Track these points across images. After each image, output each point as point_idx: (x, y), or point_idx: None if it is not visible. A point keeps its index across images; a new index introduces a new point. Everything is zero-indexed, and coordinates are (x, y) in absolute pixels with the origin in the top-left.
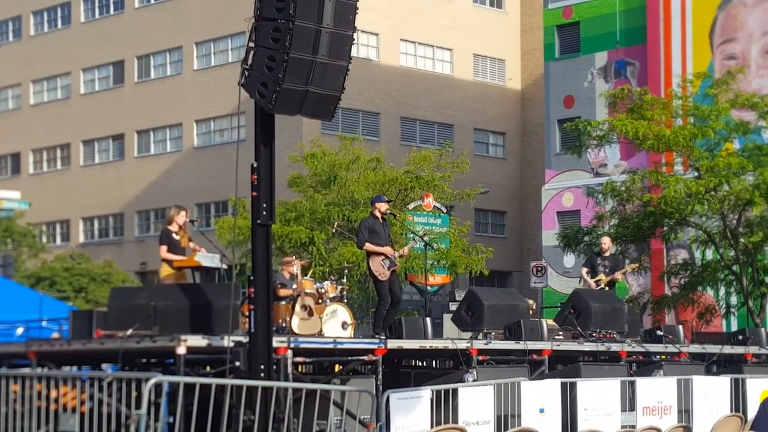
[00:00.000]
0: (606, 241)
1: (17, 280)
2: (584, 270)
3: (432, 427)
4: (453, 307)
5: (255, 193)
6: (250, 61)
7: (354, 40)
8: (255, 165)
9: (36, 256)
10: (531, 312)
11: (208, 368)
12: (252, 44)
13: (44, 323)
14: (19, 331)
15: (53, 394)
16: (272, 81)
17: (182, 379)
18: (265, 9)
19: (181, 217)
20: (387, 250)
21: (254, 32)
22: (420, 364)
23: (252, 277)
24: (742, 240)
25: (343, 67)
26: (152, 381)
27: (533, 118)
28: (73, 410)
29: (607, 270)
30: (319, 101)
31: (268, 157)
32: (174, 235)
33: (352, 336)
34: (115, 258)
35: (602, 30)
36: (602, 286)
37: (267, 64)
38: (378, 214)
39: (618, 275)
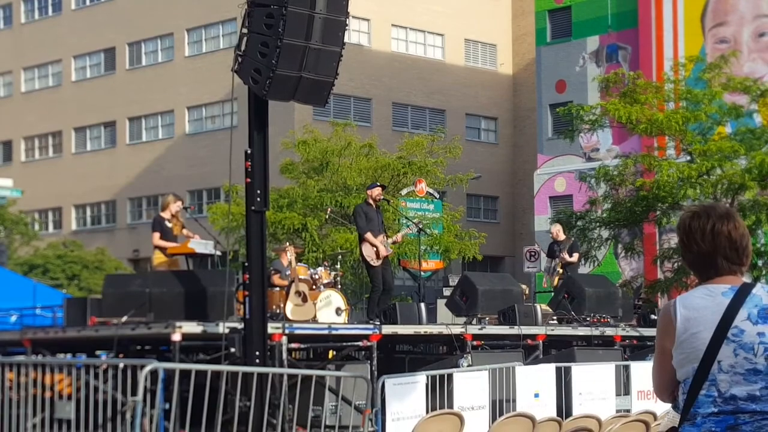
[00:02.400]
0: (554, 230)
1: (10, 268)
2: (547, 260)
3: (427, 412)
4: (447, 292)
5: (249, 180)
6: (243, 48)
7: (347, 25)
8: (249, 151)
9: (28, 244)
10: (524, 297)
11: (201, 355)
12: (245, 30)
13: (38, 310)
14: (13, 318)
15: (48, 380)
16: (266, 67)
17: (178, 366)
18: None
19: (176, 206)
20: (381, 249)
21: (247, 18)
22: (414, 349)
23: (247, 264)
24: None
25: (336, 52)
26: (148, 368)
27: (525, 102)
28: (69, 397)
29: (560, 253)
30: (312, 87)
31: (261, 144)
32: (167, 223)
33: (347, 322)
34: (108, 245)
35: (593, 14)
36: (559, 272)
37: (260, 50)
38: (371, 201)
39: (565, 256)
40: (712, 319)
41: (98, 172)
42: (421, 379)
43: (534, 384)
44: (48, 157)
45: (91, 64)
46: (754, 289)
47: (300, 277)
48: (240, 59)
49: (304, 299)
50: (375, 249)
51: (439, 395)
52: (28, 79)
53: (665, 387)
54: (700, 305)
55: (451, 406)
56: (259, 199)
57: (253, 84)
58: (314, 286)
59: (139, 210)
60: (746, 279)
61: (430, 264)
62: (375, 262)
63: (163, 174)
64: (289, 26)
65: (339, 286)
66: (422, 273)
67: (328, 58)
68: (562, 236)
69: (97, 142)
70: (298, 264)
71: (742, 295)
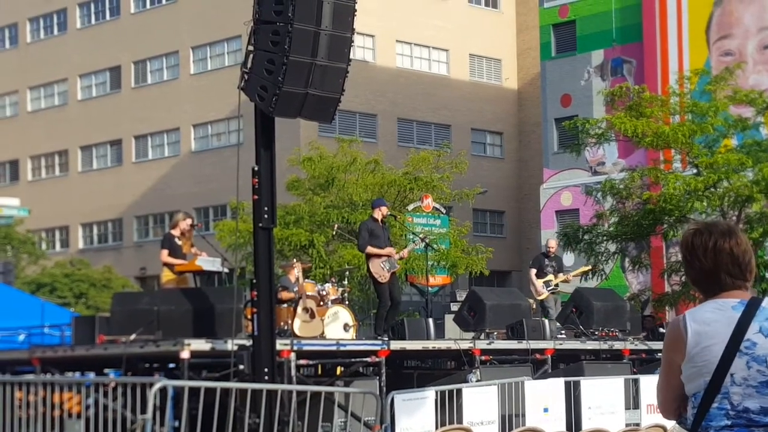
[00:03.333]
0: (553, 244)
1: (17, 287)
2: (533, 271)
3: (437, 427)
4: (454, 307)
5: (256, 197)
6: (249, 65)
7: (353, 42)
8: (256, 168)
9: (36, 263)
10: (531, 312)
11: (204, 372)
12: (251, 48)
13: (46, 329)
14: (21, 337)
15: (57, 399)
16: (272, 84)
17: (187, 383)
18: (264, 12)
19: (186, 223)
20: (389, 250)
21: (253, 36)
22: (422, 364)
23: (255, 281)
24: None
25: (342, 69)
26: (157, 386)
27: (530, 117)
28: (78, 416)
29: (554, 270)
30: (318, 103)
31: (268, 161)
32: (176, 240)
33: (354, 337)
34: (115, 263)
35: (598, 28)
36: (553, 285)
37: (266, 67)
38: (378, 217)
39: (570, 276)
40: (724, 332)
41: (105, 191)
42: (430, 394)
43: (543, 398)
44: (54, 176)
45: (96, 82)
46: (764, 303)
47: (307, 293)
48: (246, 76)
49: (312, 315)
50: (382, 260)
51: (449, 410)
52: (34, 98)
53: (671, 403)
54: (711, 319)
55: (460, 421)
56: (266, 216)
57: (259, 101)
58: (322, 302)
59: (145, 228)
60: (752, 293)
61: (438, 279)
62: (382, 279)
63: (169, 192)
64: (295, 43)
65: (346, 302)
66: (429, 288)
67: (335, 75)
68: (556, 252)
69: (104, 161)
70: (306, 280)
71: (752, 308)
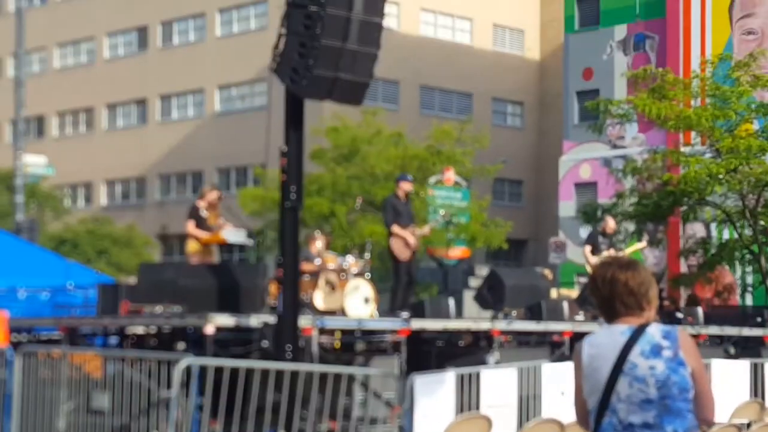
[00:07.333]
0: (612, 223)
1: (40, 243)
2: (587, 248)
3: (456, 409)
4: (472, 282)
5: (284, 177)
6: (281, 48)
7: (383, 27)
8: (284, 149)
9: (59, 219)
10: (548, 281)
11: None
12: (283, 31)
13: (70, 287)
14: (44, 294)
15: (78, 360)
16: (303, 67)
17: (212, 361)
18: None
19: (213, 195)
20: (411, 239)
21: (285, 19)
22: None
23: (281, 259)
24: (761, 222)
25: (373, 53)
26: (182, 363)
27: (551, 88)
28: (104, 385)
29: (607, 247)
30: (348, 87)
31: (297, 142)
32: (202, 211)
33: (375, 311)
34: (137, 221)
35: (622, 3)
36: None
37: (298, 50)
38: (401, 194)
39: (627, 253)
40: (612, 355)
41: (129, 149)
42: (450, 376)
43: (560, 382)
44: (79, 133)
45: (123, 42)
46: (648, 328)
47: (329, 265)
48: (278, 59)
49: (333, 288)
50: (404, 241)
51: (468, 392)
52: (62, 55)
53: (583, 416)
54: (602, 343)
55: (478, 403)
56: (293, 196)
57: (290, 83)
58: (343, 275)
59: (168, 187)
60: (651, 319)
61: (457, 251)
62: (404, 257)
63: (192, 152)
64: (327, 28)
65: (368, 276)
66: (448, 260)
67: (365, 59)
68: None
69: (128, 119)
70: (327, 252)
71: (637, 333)
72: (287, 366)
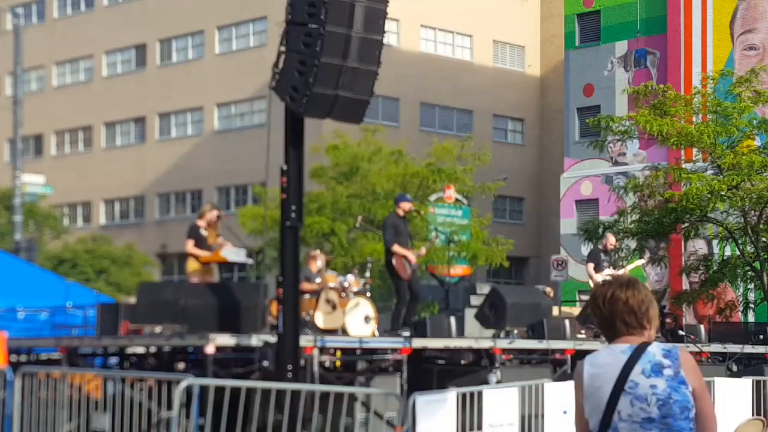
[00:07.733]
0: (612, 240)
1: (39, 262)
2: (590, 265)
3: (458, 429)
4: (473, 300)
5: (284, 196)
6: (281, 66)
7: (383, 45)
8: (284, 168)
9: (58, 238)
10: (549, 299)
11: (233, 368)
12: (283, 48)
13: (69, 307)
14: (43, 315)
15: (77, 380)
16: (303, 85)
17: (213, 382)
18: (297, 14)
19: (212, 215)
20: (411, 257)
21: (285, 37)
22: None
23: (281, 278)
24: (763, 238)
25: (373, 71)
26: (183, 384)
27: (552, 104)
28: (104, 407)
29: (609, 265)
30: (348, 105)
31: (297, 160)
32: (202, 231)
33: (375, 330)
34: (136, 240)
35: (622, 19)
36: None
37: (298, 68)
38: (401, 213)
39: (628, 270)
40: (613, 374)
41: (127, 167)
42: (451, 396)
43: (562, 400)
44: (78, 152)
45: (122, 60)
46: (649, 347)
47: (330, 285)
48: (278, 77)
49: (334, 307)
50: (404, 260)
51: (470, 412)
52: (60, 73)
53: None
54: (603, 363)
55: (480, 423)
56: (293, 215)
57: (290, 101)
58: (343, 294)
59: (167, 205)
60: (652, 338)
61: (458, 270)
62: (405, 276)
63: (191, 170)
64: (327, 45)
65: (368, 294)
66: (449, 278)
67: (365, 77)
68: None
69: (127, 138)
70: (328, 271)
71: (638, 352)
72: (288, 386)
